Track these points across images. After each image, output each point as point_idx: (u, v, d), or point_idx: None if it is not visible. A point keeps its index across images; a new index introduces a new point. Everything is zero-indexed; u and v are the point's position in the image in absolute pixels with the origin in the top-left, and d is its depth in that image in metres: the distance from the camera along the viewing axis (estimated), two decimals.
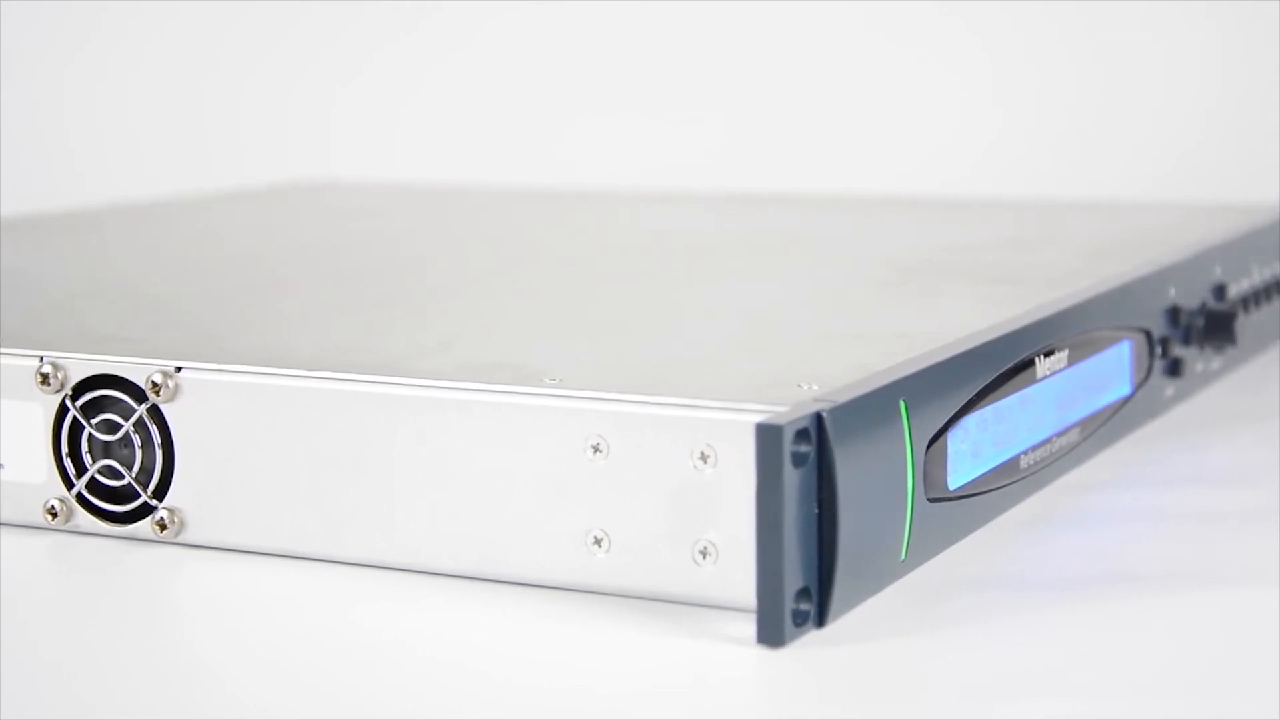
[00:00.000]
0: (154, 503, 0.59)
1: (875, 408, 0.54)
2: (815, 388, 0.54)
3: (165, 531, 0.59)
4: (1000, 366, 0.61)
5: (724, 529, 0.52)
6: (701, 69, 1.50)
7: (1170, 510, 0.64)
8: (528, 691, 0.49)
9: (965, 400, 0.58)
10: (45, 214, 1.06)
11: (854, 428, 0.52)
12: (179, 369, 0.59)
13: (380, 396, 0.56)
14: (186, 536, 0.59)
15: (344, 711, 0.48)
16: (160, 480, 0.59)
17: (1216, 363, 0.81)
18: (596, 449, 0.54)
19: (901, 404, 0.55)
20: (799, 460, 0.50)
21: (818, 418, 0.51)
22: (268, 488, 0.58)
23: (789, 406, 0.51)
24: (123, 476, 0.59)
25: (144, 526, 0.59)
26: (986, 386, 0.60)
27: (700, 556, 0.53)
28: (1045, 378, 0.64)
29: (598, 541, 0.54)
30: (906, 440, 0.55)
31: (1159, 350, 0.74)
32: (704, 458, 0.52)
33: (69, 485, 0.60)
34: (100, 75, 1.61)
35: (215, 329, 0.67)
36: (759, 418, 0.51)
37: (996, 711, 0.47)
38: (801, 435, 0.50)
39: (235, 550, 0.59)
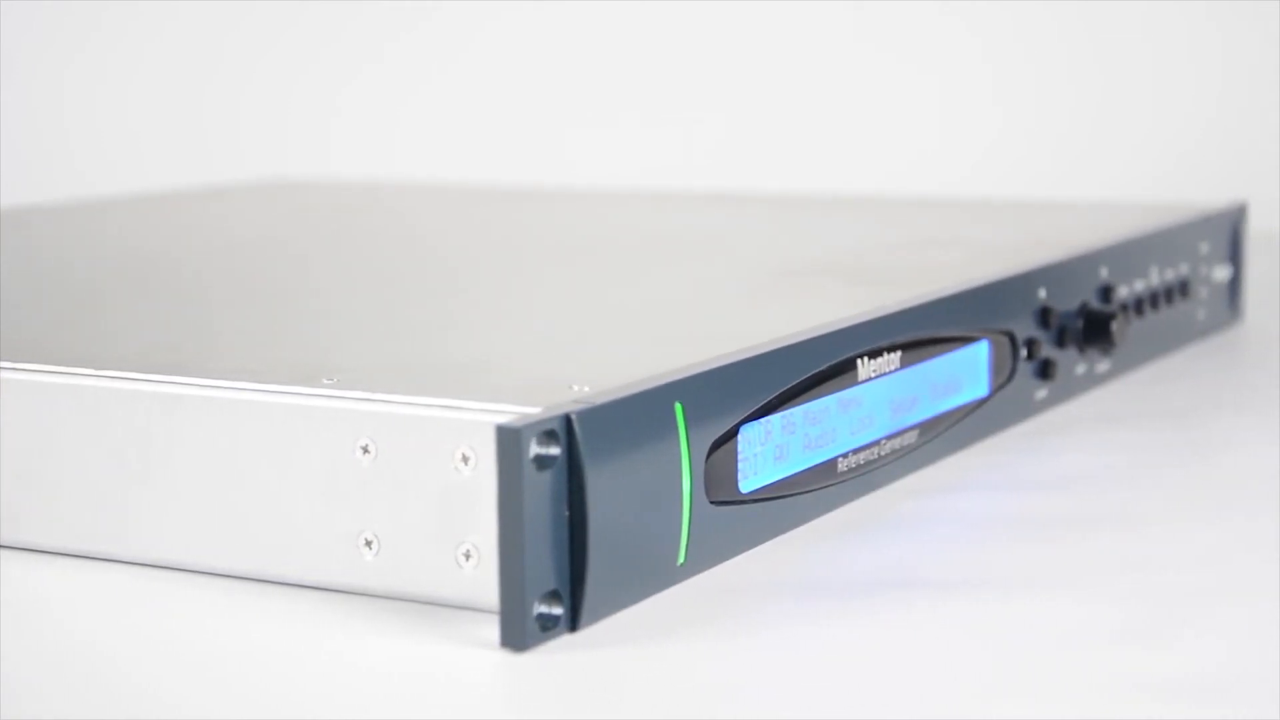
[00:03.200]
0: None
1: (643, 410, 0.53)
2: (586, 389, 0.53)
3: None
4: (810, 369, 0.60)
5: (484, 531, 0.52)
6: (701, 69, 1.49)
7: (996, 515, 0.63)
8: (267, 692, 0.48)
9: (761, 403, 0.57)
10: None
11: (612, 430, 0.51)
12: None
13: (163, 396, 0.56)
14: None
15: (98, 711, 0.47)
16: None
17: (1104, 365, 0.80)
18: (366, 450, 0.53)
19: (677, 406, 0.54)
20: (545, 462, 0.50)
21: (566, 419, 0.50)
22: (62, 488, 0.58)
23: (542, 408, 0.51)
24: None
25: None
26: (795, 388, 0.59)
27: (464, 559, 0.52)
28: (870, 380, 0.63)
29: (368, 543, 0.54)
30: (682, 442, 0.54)
31: (1024, 352, 0.73)
32: (465, 460, 0.52)
33: None
34: (100, 75, 1.63)
35: (32, 328, 0.67)
36: (508, 419, 0.50)
37: (705, 713, 0.46)
38: (549, 437, 0.50)
39: (34, 550, 0.59)
